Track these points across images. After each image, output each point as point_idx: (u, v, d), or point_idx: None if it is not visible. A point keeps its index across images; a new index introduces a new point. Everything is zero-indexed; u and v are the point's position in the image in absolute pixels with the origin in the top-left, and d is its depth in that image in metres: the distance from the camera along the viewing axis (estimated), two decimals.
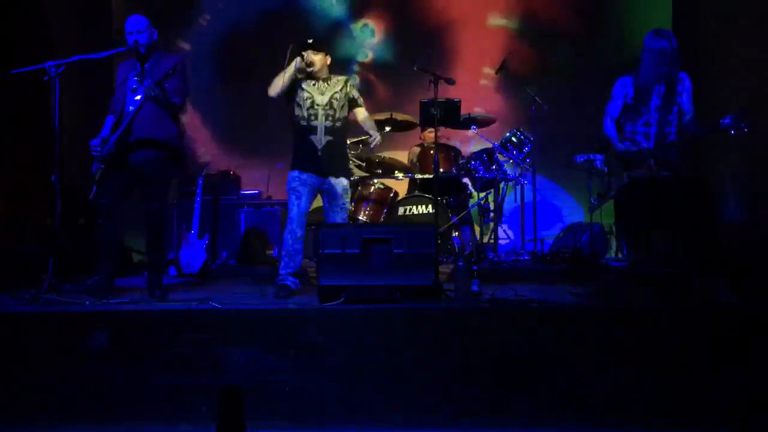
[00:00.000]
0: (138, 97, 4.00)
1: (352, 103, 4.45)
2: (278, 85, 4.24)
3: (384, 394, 3.36)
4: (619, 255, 5.97)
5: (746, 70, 5.66)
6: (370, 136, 4.43)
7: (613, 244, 6.09)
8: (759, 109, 5.29)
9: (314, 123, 4.29)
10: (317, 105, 4.30)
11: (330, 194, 4.35)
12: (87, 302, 3.79)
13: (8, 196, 5.87)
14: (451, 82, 4.78)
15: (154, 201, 4.08)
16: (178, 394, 3.34)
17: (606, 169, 4.27)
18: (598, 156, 4.34)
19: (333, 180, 4.32)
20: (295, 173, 4.31)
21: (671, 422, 3.28)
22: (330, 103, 4.32)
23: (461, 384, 3.37)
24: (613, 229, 5.67)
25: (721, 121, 3.90)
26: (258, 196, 6.66)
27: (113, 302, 3.84)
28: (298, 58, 4.25)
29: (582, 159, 4.72)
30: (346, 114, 4.44)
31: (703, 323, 3.46)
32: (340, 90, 4.38)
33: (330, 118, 4.30)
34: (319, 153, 4.27)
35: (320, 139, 4.28)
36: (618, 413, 3.32)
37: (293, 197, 4.27)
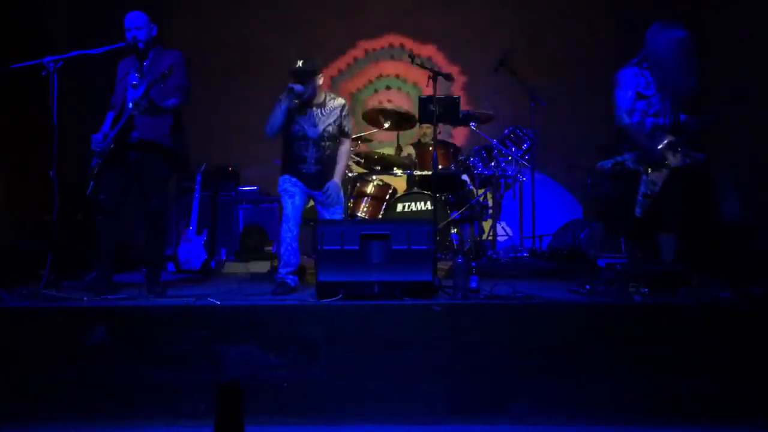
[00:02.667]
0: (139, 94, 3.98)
1: (342, 134, 4.45)
2: (274, 126, 4.23)
3: (383, 390, 3.37)
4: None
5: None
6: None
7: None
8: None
9: (305, 154, 4.32)
10: (308, 138, 4.31)
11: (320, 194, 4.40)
12: (85, 298, 3.79)
13: (6, 191, 5.86)
14: (449, 78, 4.77)
15: (152, 197, 4.07)
16: (177, 391, 3.35)
17: (641, 168, 3.96)
18: (627, 156, 4.04)
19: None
20: (286, 176, 4.36)
21: (671, 422, 3.29)
22: (322, 136, 4.32)
23: (460, 380, 3.39)
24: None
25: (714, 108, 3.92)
26: (257, 192, 6.66)
27: (111, 298, 3.83)
28: (287, 93, 4.16)
29: (610, 164, 4.01)
30: (337, 137, 4.42)
31: (703, 322, 3.46)
32: (334, 122, 4.37)
33: (320, 149, 4.33)
34: (310, 176, 4.33)
35: (310, 168, 4.33)
36: (617, 411, 3.33)
37: (286, 197, 4.29)
